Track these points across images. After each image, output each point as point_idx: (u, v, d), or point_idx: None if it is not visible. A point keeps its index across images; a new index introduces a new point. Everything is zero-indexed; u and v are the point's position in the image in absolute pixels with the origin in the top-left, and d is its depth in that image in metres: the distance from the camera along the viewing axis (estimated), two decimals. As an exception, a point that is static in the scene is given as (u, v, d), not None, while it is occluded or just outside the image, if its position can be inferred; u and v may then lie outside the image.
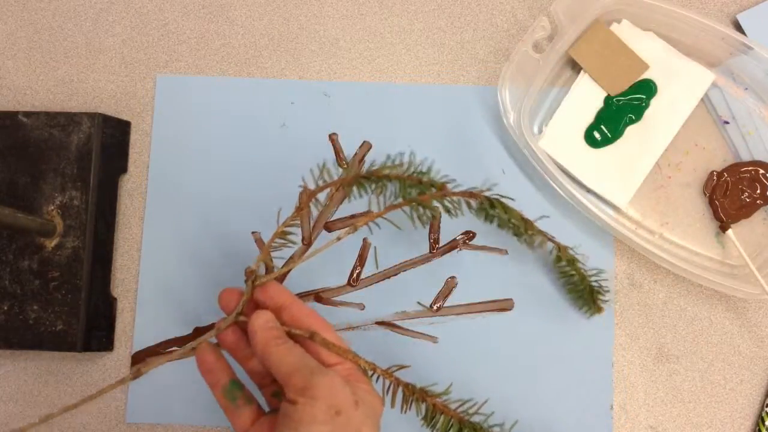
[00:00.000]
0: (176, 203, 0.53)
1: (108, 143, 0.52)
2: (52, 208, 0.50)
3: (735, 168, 0.51)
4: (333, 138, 0.54)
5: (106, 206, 0.52)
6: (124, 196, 0.54)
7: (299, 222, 0.42)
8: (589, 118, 0.52)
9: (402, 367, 0.40)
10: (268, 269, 0.41)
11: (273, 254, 0.41)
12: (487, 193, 0.44)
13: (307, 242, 0.52)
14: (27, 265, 0.50)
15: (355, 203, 0.47)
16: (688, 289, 0.51)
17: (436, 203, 0.42)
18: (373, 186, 0.42)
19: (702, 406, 0.50)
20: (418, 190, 0.42)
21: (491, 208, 0.44)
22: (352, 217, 0.52)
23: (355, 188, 0.43)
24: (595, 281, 0.48)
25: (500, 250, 0.52)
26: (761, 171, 0.50)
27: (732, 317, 0.51)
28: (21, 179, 0.51)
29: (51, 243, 0.50)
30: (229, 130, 0.54)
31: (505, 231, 0.46)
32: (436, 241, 0.52)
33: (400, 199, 0.42)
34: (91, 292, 0.50)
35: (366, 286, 0.52)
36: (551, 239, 0.46)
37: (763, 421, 0.49)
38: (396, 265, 0.52)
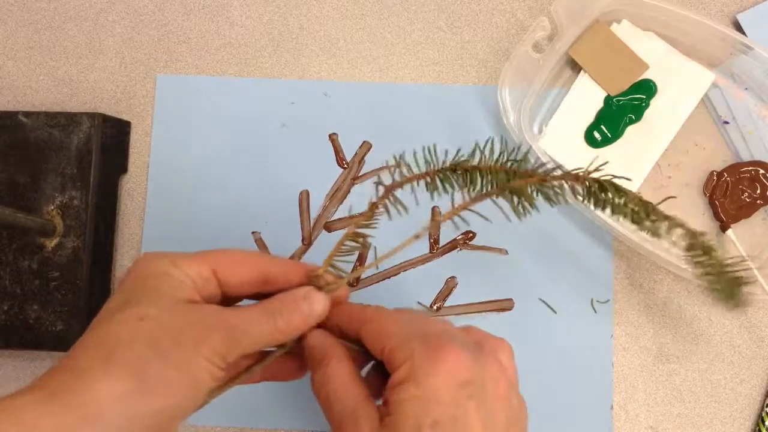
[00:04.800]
0: (176, 203, 0.53)
1: (108, 143, 0.52)
2: (52, 208, 0.50)
3: (735, 168, 0.51)
4: (333, 138, 0.54)
5: (106, 206, 0.52)
6: (124, 196, 0.54)
7: (369, 223, 0.37)
8: (589, 118, 0.52)
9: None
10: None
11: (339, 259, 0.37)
12: (595, 174, 0.37)
13: (307, 242, 0.52)
14: (27, 265, 0.50)
15: (417, 202, 0.39)
16: (688, 289, 0.51)
17: (532, 191, 0.36)
18: (460, 179, 0.37)
19: (702, 406, 0.50)
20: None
21: (602, 192, 0.37)
22: (352, 217, 0.52)
23: (439, 182, 0.38)
24: (736, 271, 0.40)
25: (500, 250, 0.52)
26: (761, 171, 0.50)
27: (732, 317, 0.51)
28: (21, 179, 0.51)
29: (51, 243, 0.50)
30: (229, 130, 0.54)
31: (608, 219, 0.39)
32: (436, 241, 0.52)
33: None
34: (91, 292, 0.50)
35: (366, 286, 0.52)
36: (681, 224, 0.38)
37: (763, 421, 0.49)
38: (396, 265, 0.52)
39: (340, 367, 0.31)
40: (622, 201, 0.37)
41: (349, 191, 0.53)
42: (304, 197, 0.53)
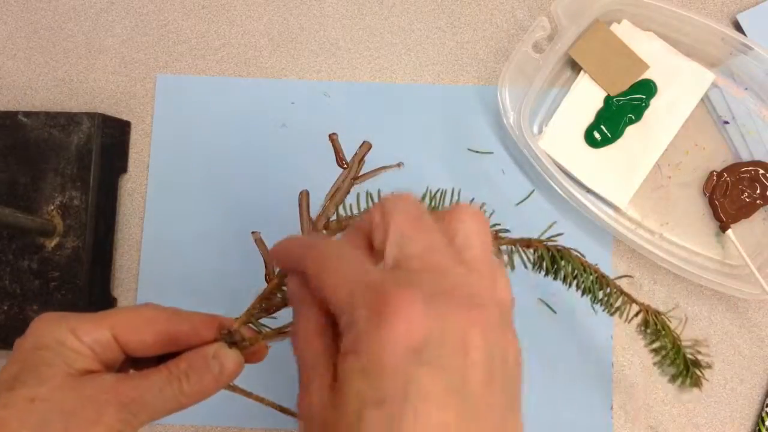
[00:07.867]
0: (176, 203, 0.53)
1: (108, 143, 0.52)
2: (52, 208, 0.50)
3: (735, 168, 0.51)
4: (333, 138, 0.54)
5: (106, 206, 0.52)
6: (124, 196, 0.54)
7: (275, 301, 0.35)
8: (589, 118, 0.52)
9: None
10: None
11: None
12: (549, 243, 0.34)
13: (307, 242, 0.52)
14: (27, 265, 0.50)
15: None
16: (688, 289, 0.51)
17: None
18: None
19: (702, 406, 0.50)
20: None
21: (553, 262, 0.34)
22: (350, 217, 0.52)
23: None
24: (692, 352, 0.39)
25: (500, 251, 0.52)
26: (761, 171, 0.50)
27: (732, 317, 0.51)
28: (21, 179, 0.51)
29: (51, 243, 0.50)
30: (229, 131, 0.54)
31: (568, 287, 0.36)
32: (436, 241, 0.52)
33: None
34: (91, 292, 0.50)
35: (366, 286, 0.51)
36: (635, 300, 0.37)
37: (763, 421, 0.49)
38: (396, 265, 0.51)
39: (305, 314, 0.26)
40: (576, 273, 0.33)
41: (349, 191, 0.53)
42: (304, 197, 0.53)
